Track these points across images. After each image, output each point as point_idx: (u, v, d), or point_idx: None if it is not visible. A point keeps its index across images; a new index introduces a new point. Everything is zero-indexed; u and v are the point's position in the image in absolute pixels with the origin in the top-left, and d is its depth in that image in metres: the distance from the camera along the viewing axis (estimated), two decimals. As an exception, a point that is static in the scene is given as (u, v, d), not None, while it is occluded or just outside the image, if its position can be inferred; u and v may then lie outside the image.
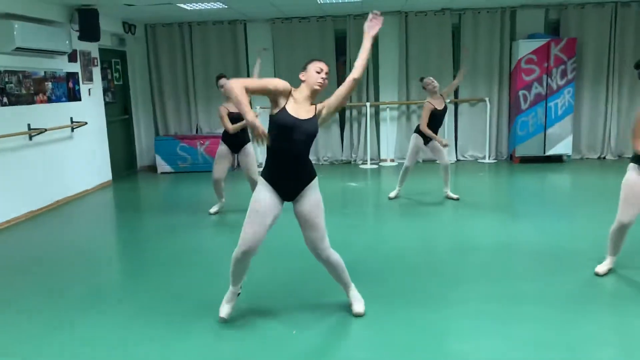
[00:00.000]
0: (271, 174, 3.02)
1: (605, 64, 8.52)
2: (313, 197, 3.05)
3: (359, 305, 3.25)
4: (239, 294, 3.27)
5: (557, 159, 8.64)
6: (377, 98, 9.01)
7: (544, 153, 8.53)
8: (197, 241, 5.05)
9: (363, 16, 8.43)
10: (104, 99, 8.04)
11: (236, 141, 5.69)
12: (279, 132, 2.91)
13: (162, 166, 8.84)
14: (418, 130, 6.01)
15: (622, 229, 3.62)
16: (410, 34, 8.71)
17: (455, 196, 6.19)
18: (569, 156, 8.67)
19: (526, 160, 8.62)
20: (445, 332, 3.08)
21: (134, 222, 5.99)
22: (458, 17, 8.69)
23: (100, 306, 3.56)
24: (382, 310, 3.33)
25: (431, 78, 5.95)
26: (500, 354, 2.81)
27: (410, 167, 6.16)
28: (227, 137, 5.68)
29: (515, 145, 8.61)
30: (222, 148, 5.72)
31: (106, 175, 7.99)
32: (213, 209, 5.92)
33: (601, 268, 3.77)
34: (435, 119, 5.89)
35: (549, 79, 8.28)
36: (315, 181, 3.10)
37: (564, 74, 8.25)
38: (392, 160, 9.13)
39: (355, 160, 9.19)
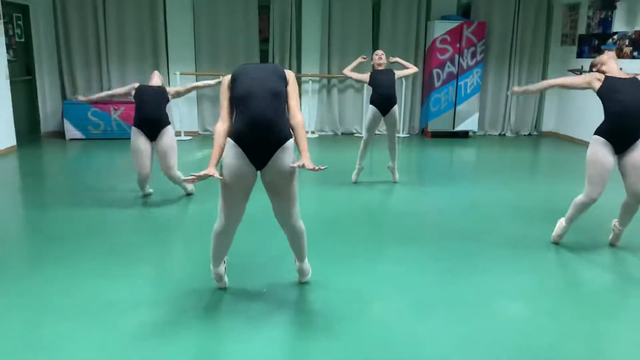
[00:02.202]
0: (239, 134, 2.74)
1: (509, 47, 9.28)
2: (285, 160, 2.78)
3: (304, 278, 3.28)
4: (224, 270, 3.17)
5: (464, 135, 9.31)
6: (299, 70, 9.07)
7: (453, 128, 9.15)
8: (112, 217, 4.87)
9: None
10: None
11: (151, 123, 4.77)
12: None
13: (72, 132, 8.26)
14: (372, 101, 5.60)
15: (589, 205, 3.73)
16: (333, 9, 8.84)
17: (396, 176, 5.96)
18: (474, 132, 9.39)
19: (436, 135, 9.20)
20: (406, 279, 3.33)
21: (46, 193, 5.59)
22: (378, -5, 8.98)
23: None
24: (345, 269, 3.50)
25: (380, 52, 5.75)
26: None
27: (369, 140, 5.73)
28: (138, 119, 4.77)
29: (428, 121, 9.14)
30: (134, 135, 4.80)
31: (10, 140, 7.33)
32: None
33: (557, 236, 3.99)
34: (375, 83, 5.57)
35: (460, 59, 8.86)
36: (290, 143, 2.80)
37: (473, 55, 8.86)
38: (314, 133, 9.29)
39: (276, 131, 9.21)
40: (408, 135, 9.46)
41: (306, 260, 3.23)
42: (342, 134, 9.35)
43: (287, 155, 2.78)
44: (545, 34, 9.33)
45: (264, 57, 8.94)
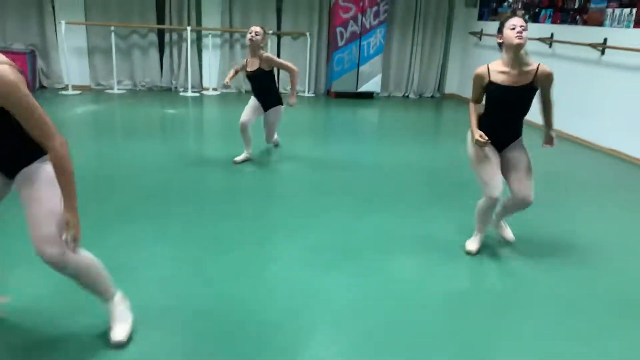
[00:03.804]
0: None
1: (413, 7, 9.28)
2: (38, 174, 2.04)
3: (120, 331, 2.22)
4: None
5: (369, 96, 9.33)
6: (199, 22, 8.71)
7: (357, 89, 9.14)
8: None
9: None
10: None
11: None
12: None
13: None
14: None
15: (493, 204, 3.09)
16: (234, -42, 8.50)
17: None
18: (377, 93, 9.43)
19: (340, 95, 9.16)
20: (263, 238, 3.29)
21: None
22: (282, -52, 8.68)
23: None
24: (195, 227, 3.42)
25: (257, 29, 4.65)
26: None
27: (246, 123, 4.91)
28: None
29: (332, 81, 9.08)
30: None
31: None
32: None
33: (473, 245, 3.27)
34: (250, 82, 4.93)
35: (363, 18, 8.78)
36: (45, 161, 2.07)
37: (376, 14, 8.80)
38: (215, 89, 9.02)
39: (175, 88, 8.88)
40: (314, 95, 9.38)
41: (118, 295, 2.31)
42: (246, 92, 9.14)
43: (40, 168, 2.13)
44: (450, -5, 9.41)
45: (160, 7, 8.49)
